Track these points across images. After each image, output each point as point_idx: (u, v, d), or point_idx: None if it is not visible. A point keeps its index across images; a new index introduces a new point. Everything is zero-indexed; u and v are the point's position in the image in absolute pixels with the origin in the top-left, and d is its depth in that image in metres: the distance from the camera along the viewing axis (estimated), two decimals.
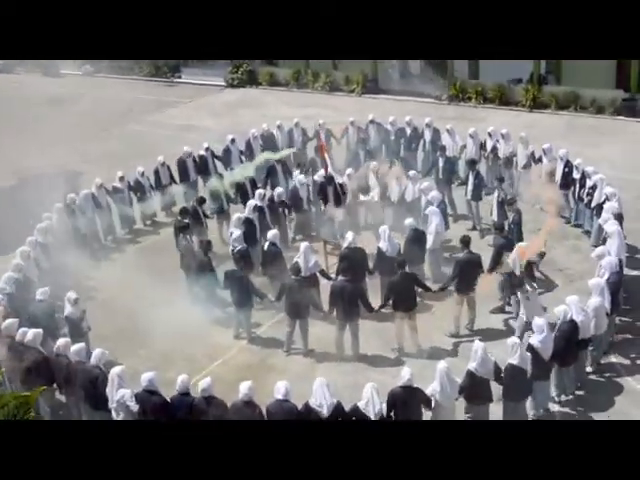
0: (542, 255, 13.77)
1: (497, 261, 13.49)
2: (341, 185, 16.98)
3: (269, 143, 20.46)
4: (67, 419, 11.84)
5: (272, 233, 14.81)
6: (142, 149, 23.34)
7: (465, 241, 13.61)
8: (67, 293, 13.39)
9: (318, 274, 13.97)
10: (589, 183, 15.89)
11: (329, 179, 16.89)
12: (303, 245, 14.01)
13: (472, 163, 17.43)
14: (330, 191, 16.95)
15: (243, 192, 17.69)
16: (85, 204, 17.77)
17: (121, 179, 18.74)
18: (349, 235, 14.18)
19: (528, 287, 12.58)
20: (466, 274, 13.28)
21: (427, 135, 19.70)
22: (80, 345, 11.67)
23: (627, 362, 12.62)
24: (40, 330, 12.21)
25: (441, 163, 17.87)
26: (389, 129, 20.16)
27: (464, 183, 17.75)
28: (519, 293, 12.81)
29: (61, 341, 11.93)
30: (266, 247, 14.67)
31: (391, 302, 13.02)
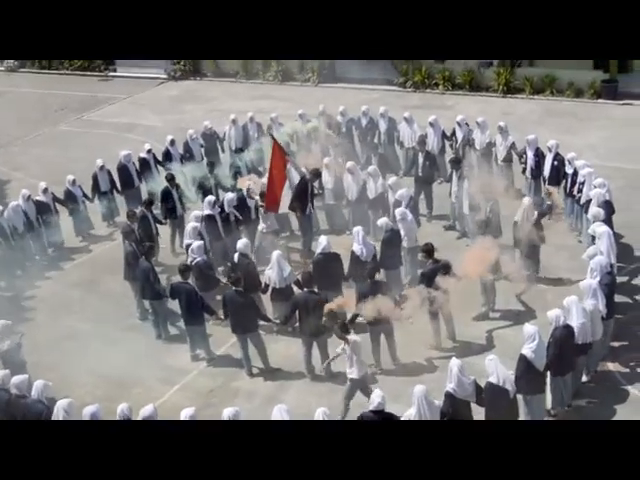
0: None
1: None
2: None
3: (211, 142, 20.31)
4: None
5: (242, 243, 14.57)
6: (77, 152, 22.91)
7: (427, 250, 13.46)
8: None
9: (293, 285, 13.81)
10: (580, 178, 15.87)
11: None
12: (275, 254, 13.85)
13: (456, 162, 17.01)
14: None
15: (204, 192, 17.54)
16: (15, 217, 17.25)
17: (44, 191, 18.03)
18: (322, 239, 14.05)
19: None
20: (433, 285, 12.92)
21: (382, 126, 19.67)
22: (22, 377, 11.27)
23: (625, 370, 12.67)
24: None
25: (421, 159, 17.72)
26: (339, 120, 20.09)
27: (448, 181, 17.50)
28: None
29: (1, 373, 11.52)
30: (236, 258, 14.42)
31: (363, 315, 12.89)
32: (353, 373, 11.72)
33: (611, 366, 12.75)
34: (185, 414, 10.20)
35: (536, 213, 14.38)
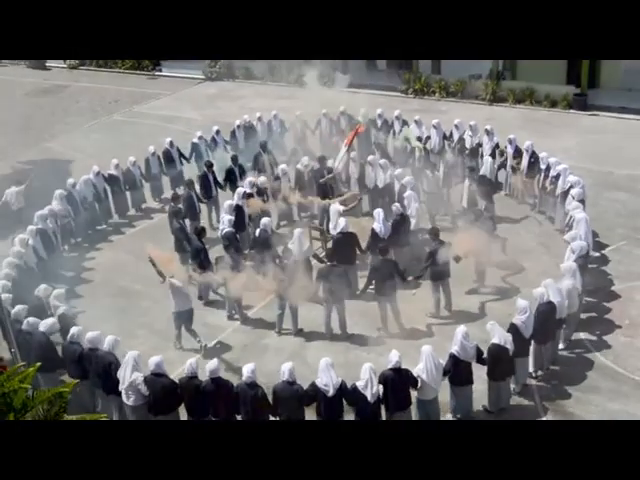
0: None
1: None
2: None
3: (250, 133, 19.95)
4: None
5: (266, 219, 14.35)
6: (128, 139, 22.64)
7: (434, 232, 13.34)
8: (54, 291, 12.62)
9: (311, 258, 13.59)
10: (552, 173, 15.79)
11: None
12: (297, 231, 13.62)
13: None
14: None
15: (232, 179, 17.22)
16: (85, 190, 17.15)
17: (116, 166, 18.01)
18: (342, 221, 13.81)
19: None
20: (438, 263, 12.96)
21: (396, 126, 19.39)
22: (95, 332, 11.06)
23: (594, 338, 12.57)
24: (53, 319, 11.67)
25: (417, 154, 17.60)
26: (360, 120, 19.73)
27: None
28: None
29: (75, 329, 11.32)
30: (257, 233, 14.18)
31: (374, 286, 12.73)
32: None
33: (582, 335, 12.63)
34: (211, 365, 10.13)
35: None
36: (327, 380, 9.80)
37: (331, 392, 9.77)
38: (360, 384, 9.83)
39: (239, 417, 10.19)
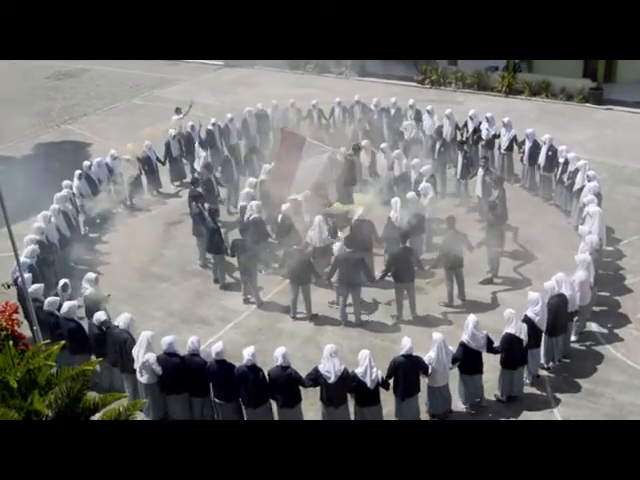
0: None
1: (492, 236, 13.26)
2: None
3: (263, 121, 19.84)
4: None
5: (286, 206, 14.27)
6: (147, 122, 22.56)
7: (451, 220, 13.25)
8: (86, 274, 12.50)
9: (331, 245, 13.53)
10: (571, 168, 15.59)
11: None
12: (317, 218, 13.58)
13: (461, 144, 17.12)
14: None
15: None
16: (99, 172, 17.07)
17: (131, 151, 17.84)
18: (359, 209, 13.76)
19: None
20: (452, 252, 12.88)
21: (410, 115, 19.25)
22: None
23: (605, 331, 12.47)
24: (75, 302, 11.65)
25: (437, 146, 17.52)
26: (372, 109, 19.70)
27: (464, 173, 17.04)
28: None
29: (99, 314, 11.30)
30: (279, 219, 14.13)
31: (392, 273, 12.68)
32: None
33: (594, 328, 12.55)
34: (217, 347, 10.11)
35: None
36: (329, 367, 9.79)
37: (332, 379, 9.76)
38: (359, 371, 9.80)
39: (240, 399, 10.24)
